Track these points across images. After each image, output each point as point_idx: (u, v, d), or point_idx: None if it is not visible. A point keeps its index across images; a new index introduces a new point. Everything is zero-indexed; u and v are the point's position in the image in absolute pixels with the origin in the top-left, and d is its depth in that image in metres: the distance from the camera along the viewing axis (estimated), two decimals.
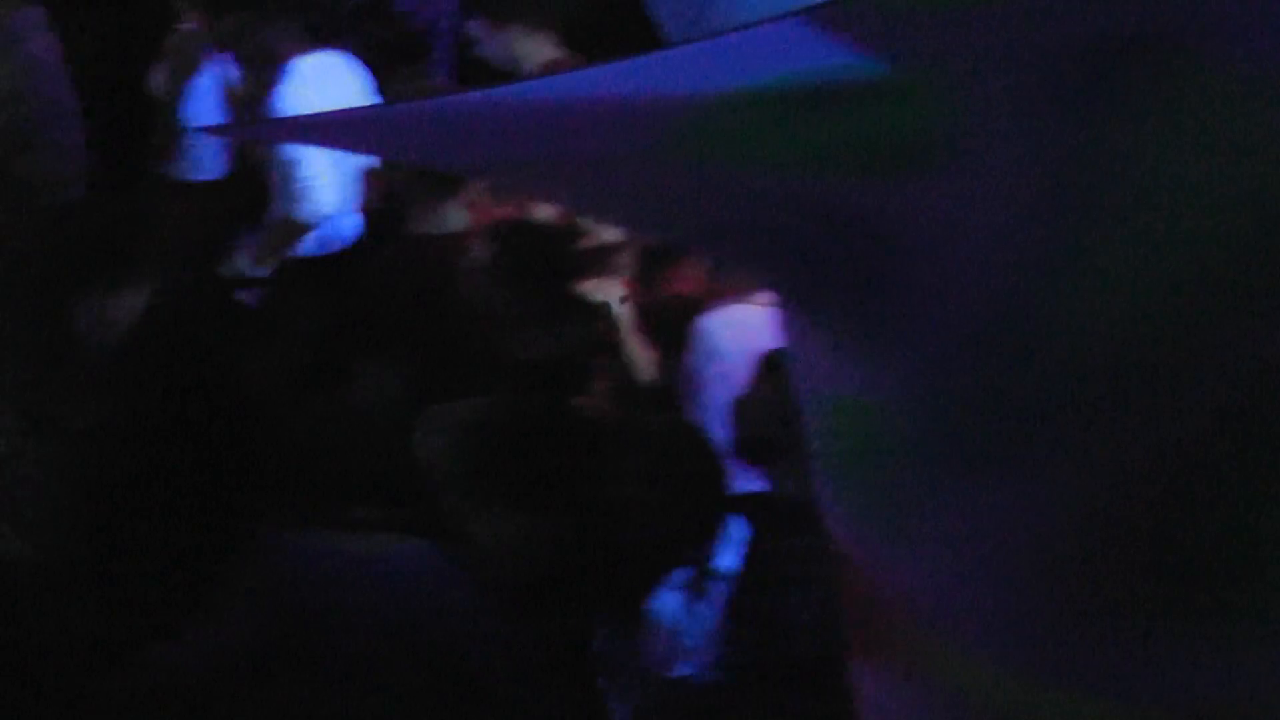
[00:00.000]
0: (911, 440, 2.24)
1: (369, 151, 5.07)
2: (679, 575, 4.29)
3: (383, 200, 7.02)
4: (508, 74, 6.39)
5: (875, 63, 1.92)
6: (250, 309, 6.60)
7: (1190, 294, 2.04)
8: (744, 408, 4.45)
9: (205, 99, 7.85)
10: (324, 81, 7.02)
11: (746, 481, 4.54)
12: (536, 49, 6.75)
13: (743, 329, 4.82)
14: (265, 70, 7.19)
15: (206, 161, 7.97)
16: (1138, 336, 2.06)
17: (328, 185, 6.85)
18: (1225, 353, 2.08)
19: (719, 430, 4.69)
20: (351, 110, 4.94)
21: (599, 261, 5.75)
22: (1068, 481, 2.16)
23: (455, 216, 6.04)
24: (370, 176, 7.05)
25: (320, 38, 7.30)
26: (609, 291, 5.52)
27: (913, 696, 2.45)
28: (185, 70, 7.87)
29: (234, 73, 7.76)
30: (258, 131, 6.18)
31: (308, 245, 7.05)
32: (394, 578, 4.24)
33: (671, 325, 5.45)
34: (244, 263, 7.36)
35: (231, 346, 5.73)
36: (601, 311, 5.45)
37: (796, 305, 2.40)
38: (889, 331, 2.17)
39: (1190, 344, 2.07)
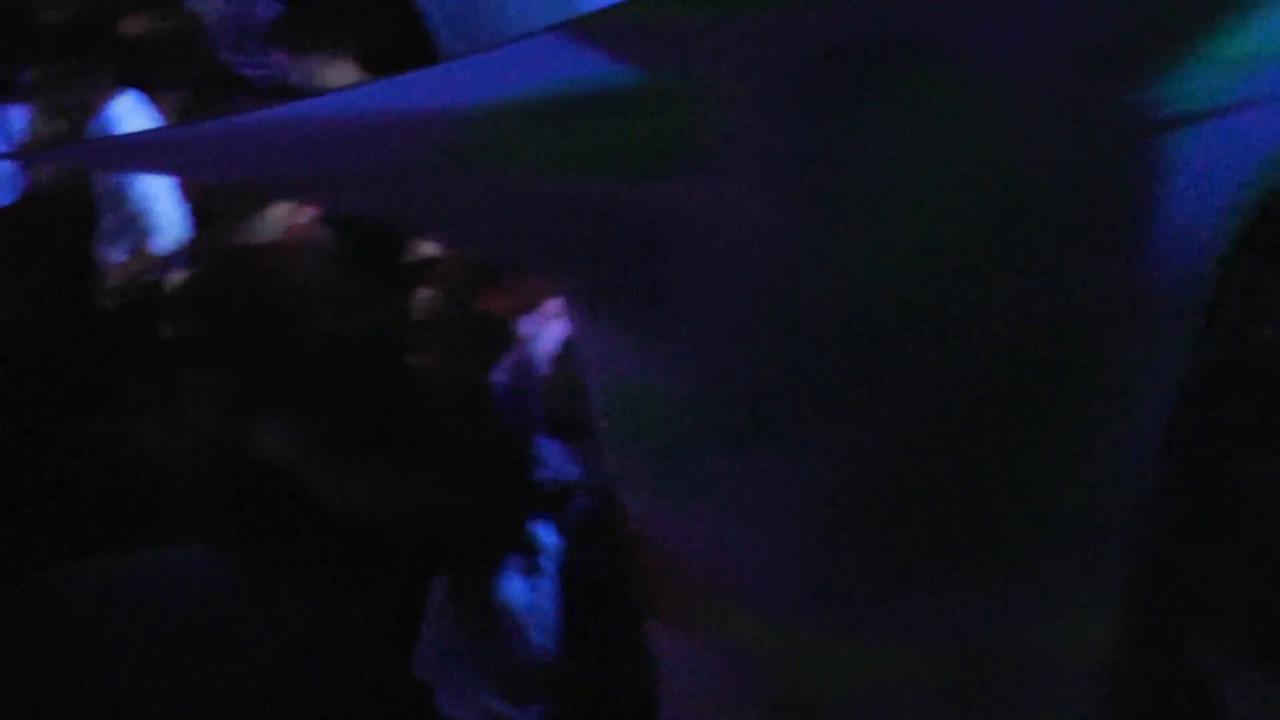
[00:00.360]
0: (692, 418, 2.30)
1: (170, 172, 5.04)
2: (514, 560, 4.37)
3: (201, 217, 6.98)
4: None
5: (634, 71, 1.97)
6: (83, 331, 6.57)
7: (932, 269, 2.13)
8: (551, 391, 4.51)
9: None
10: (134, 123, 6.96)
11: (561, 461, 4.62)
12: (338, 75, 6.73)
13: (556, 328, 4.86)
14: (75, 114, 7.09)
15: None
16: (890, 311, 2.15)
17: (175, 215, 6.81)
18: (971, 319, 2.17)
19: (532, 415, 4.78)
20: (150, 133, 4.93)
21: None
22: (836, 448, 2.23)
23: (270, 225, 6.05)
24: (189, 196, 7.00)
25: (130, 80, 7.22)
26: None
27: (706, 655, 2.51)
28: None
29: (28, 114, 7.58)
30: (59, 156, 6.13)
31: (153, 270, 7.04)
32: (168, 586, 4.27)
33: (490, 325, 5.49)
34: (83, 288, 7.29)
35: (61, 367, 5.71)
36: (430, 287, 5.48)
37: (578, 298, 2.45)
38: (664, 319, 2.23)
39: (937, 314, 2.15)
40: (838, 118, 2.04)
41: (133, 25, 7.67)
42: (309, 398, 4.73)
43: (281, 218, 6.07)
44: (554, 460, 4.57)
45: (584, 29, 1.94)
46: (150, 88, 7.16)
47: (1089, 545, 2.40)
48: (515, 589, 4.44)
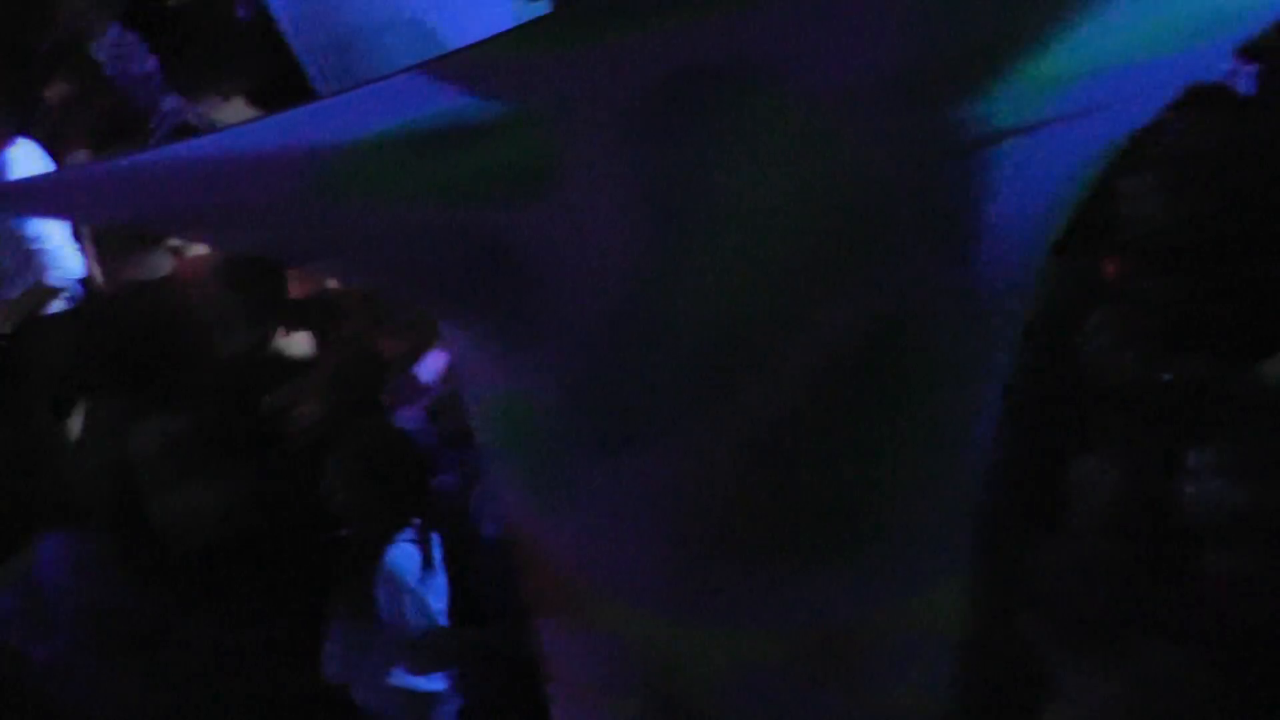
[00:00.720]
0: (559, 425, 2.34)
1: (60, 215, 5.00)
2: (406, 535, 4.42)
3: (98, 254, 6.94)
4: None
5: (490, 104, 2.01)
6: None
7: (775, 280, 2.19)
8: (442, 405, 4.53)
9: None
10: (28, 169, 6.90)
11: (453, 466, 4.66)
12: (231, 114, 6.75)
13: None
14: None
15: None
16: (739, 319, 2.20)
17: (69, 252, 6.77)
18: (813, 325, 2.21)
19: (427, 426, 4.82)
20: (40, 177, 4.92)
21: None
22: (695, 448, 2.28)
23: (161, 261, 6.05)
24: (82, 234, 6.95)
25: (28, 126, 7.15)
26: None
27: (586, 645, 2.55)
28: None
29: None
30: None
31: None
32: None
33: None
34: None
35: None
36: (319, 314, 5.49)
37: (449, 318, 2.50)
38: (531, 333, 2.27)
39: (782, 321, 2.21)
40: (682, 142, 2.08)
41: (32, 74, 7.61)
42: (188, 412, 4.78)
43: (172, 254, 6.06)
44: (447, 466, 4.60)
45: (443, 67, 1.98)
46: (49, 134, 7.12)
47: (933, 528, 2.45)
48: (409, 572, 4.47)
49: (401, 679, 4.43)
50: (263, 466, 4.81)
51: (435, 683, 4.46)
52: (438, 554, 4.45)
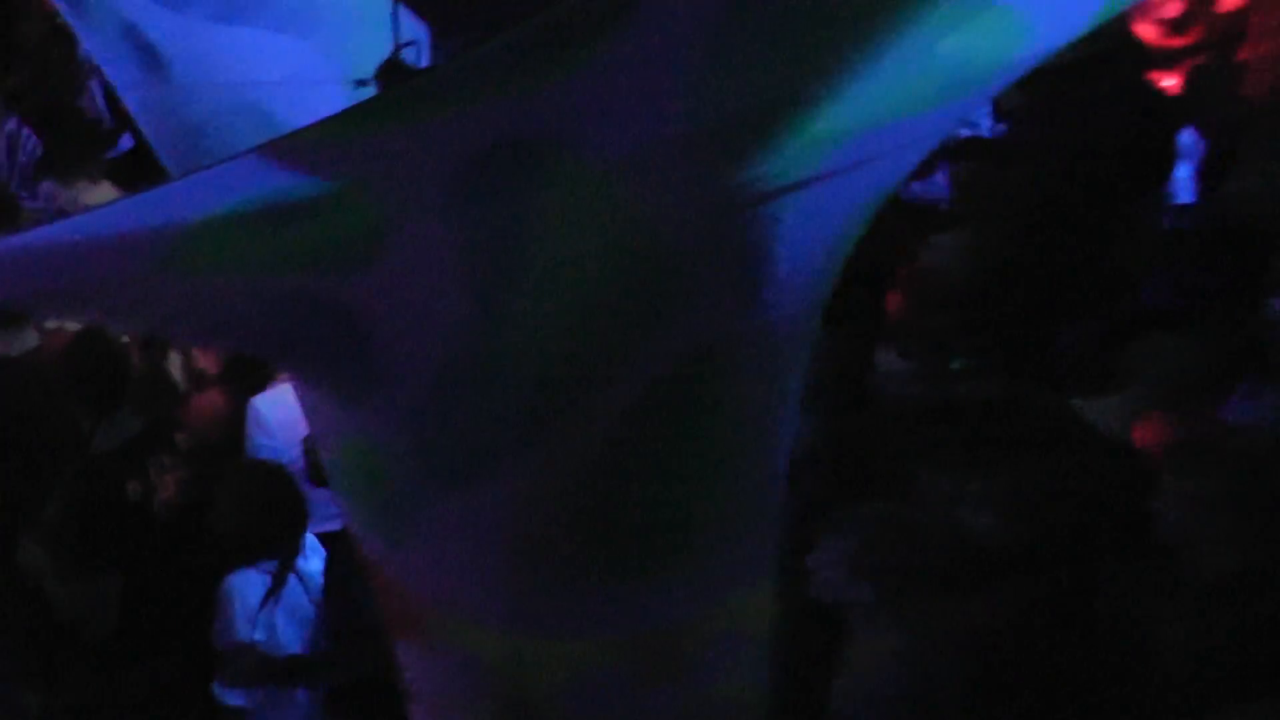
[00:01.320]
0: (402, 466, 2.40)
1: None
2: (265, 568, 4.42)
3: None
4: None
5: (321, 181, 2.05)
6: None
7: (586, 328, 2.25)
8: (309, 446, 4.53)
9: None
10: None
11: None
12: (100, 197, 6.74)
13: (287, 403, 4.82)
14: None
15: None
16: (557, 364, 2.26)
17: None
18: (624, 365, 2.29)
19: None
20: None
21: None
22: (527, 480, 2.35)
23: (27, 338, 5.96)
24: None
25: None
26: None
27: (441, 663, 2.61)
28: None
29: None
30: None
31: None
32: None
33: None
34: None
35: None
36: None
37: (297, 373, 2.54)
38: (370, 386, 2.32)
39: (596, 363, 2.28)
40: (494, 209, 2.15)
41: None
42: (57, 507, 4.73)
43: (37, 330, 5.96)
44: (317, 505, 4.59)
45: (279, 148, 2.02)
46: None
47: (741, 537, 2.53)
48: (245, 596, 4.45)
49: (221, 692, 4.44)
50: (145, 545, 4.79)
51: (237, 698, 4.44)
52: (310, 580, 4.45)
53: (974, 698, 3.44)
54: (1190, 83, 8.04)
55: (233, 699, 4.41)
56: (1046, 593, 3.84)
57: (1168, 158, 7.19)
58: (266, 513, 4.40)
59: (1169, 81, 9.36)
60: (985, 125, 7.33)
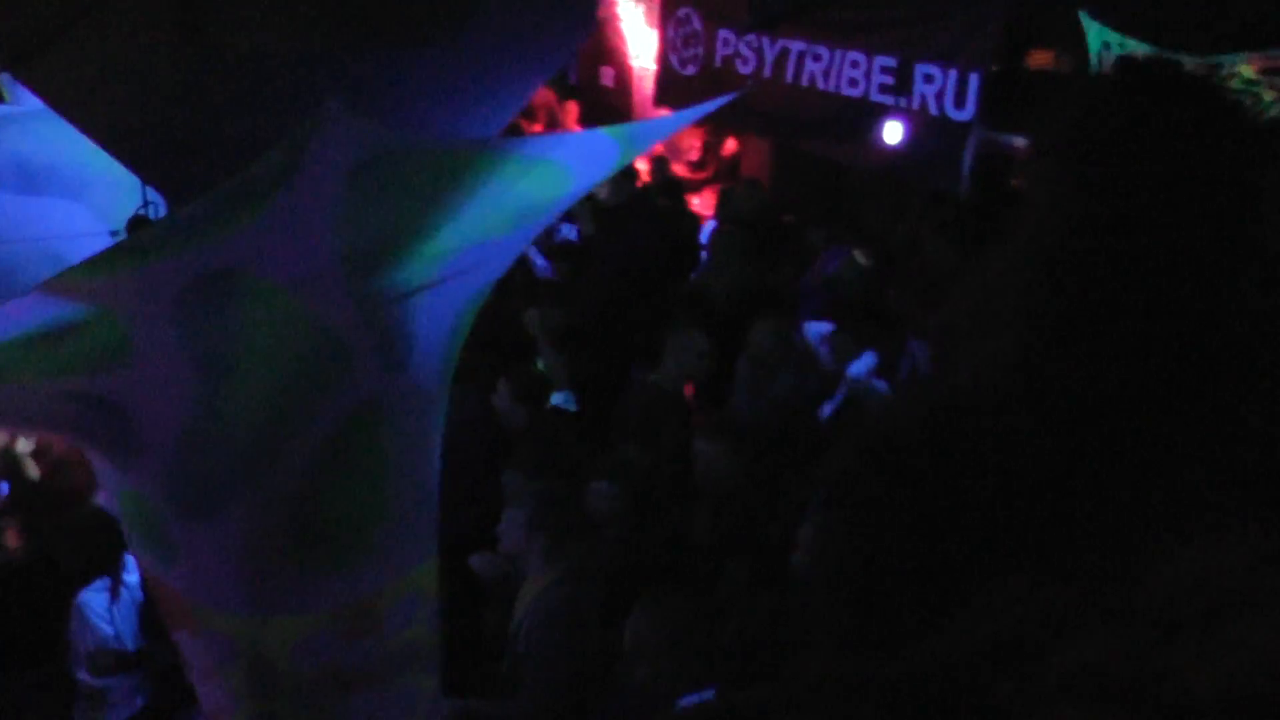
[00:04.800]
0: (162, 508, 2.34)
1: None
2: (100, 584, 4.23)
3: None
4: None
5: (83, 308, 2.00)
6: None
7: (282, 398, 2.24)
8: None
9: None
10: None
11: None
12: None
13: None
14: None
15: None
16: (262, 425, 2.25)
17: None
18: (309, 420, 2.28)
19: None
20: None
21: None
22: (251, 508, 2.32)
23: None
24: None
25: None
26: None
27: (204, 643, 2.54)
28: None
29: None
30: None
31: None
32: None
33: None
34: None
35: None
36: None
37: (84, 446, 2.42)
38: (133, 454, 2.27)
39: (288, 420, 2.26)
40: (212, 318, 2.12)
41: None
42: None
43: None
44: None
45: (52, 286, 1.95)
46: None
47: (411, 530, 2.54)
48: (94, 606, 4.26)
49: (84, 677, 4.25)
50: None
51: (105, 682, 4.28)
52: (133, 589, 4.26)
53: None
54: (721, 197, 8.46)
55: (97, 684, 4.25)
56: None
57: (692, 250, 7.58)
58: (99, 545, 4.20)
59: (697, 201, 9.84)
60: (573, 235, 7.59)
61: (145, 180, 4.41)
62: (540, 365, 5.65)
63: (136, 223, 7.17)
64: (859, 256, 6.63)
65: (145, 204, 6.66)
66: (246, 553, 2.35)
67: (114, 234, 7.40)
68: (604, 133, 2.41)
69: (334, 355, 2.22)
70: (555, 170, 2.36)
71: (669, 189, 8.45)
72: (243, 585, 2.40)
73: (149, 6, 2.91)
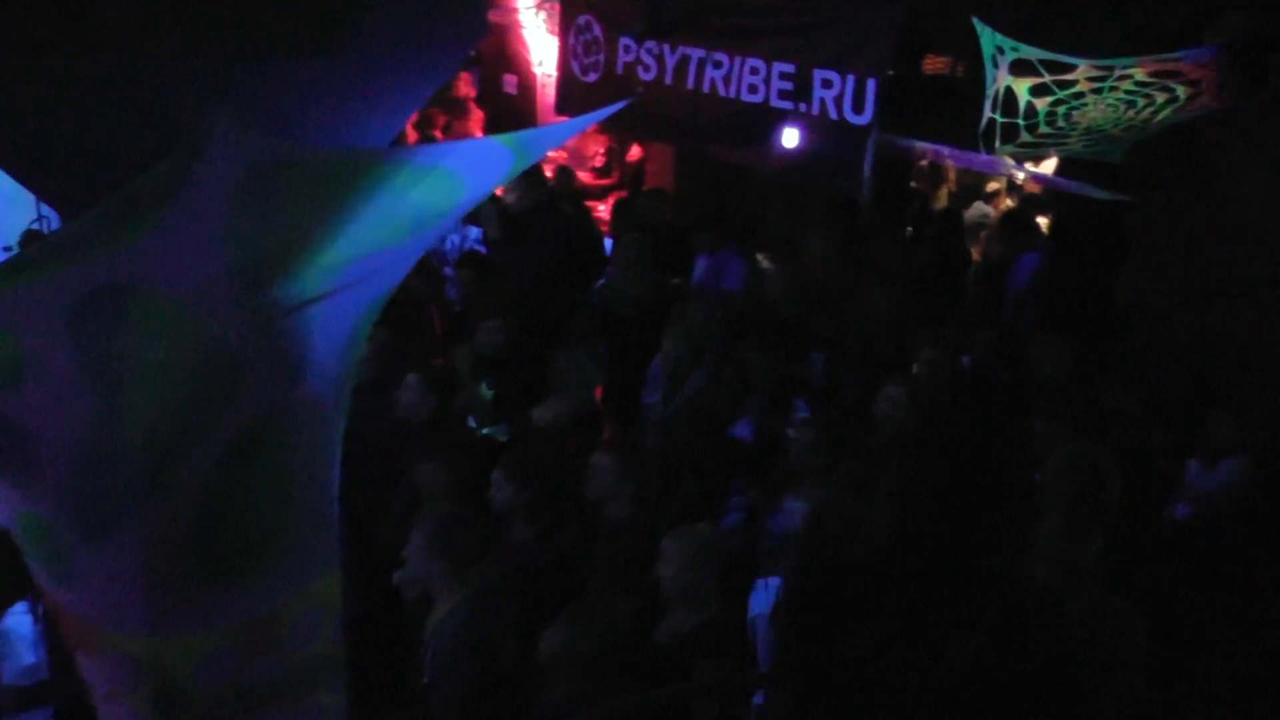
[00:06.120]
0: (60, 529, 2.31)
1: None
2: (20, 609, 4.13)
3: None
4: None
5: None
6: None
7: (180, 411, 2.23)
8: None
9: None
10: None
11: None
12: None
13: None
14: None
15: None
16: (161, 439, 2.22)
17: None
18: (209, 433, 2.26)
19: None
20: None
21: None
22: (151, 525, 2.29)
23: None
24: None
25: None
26: None
27: (107, 665, 2.51)
28: None
29: None
30: None
31: None
32: None
33: None
34: None
35: None
36: None
37: None
38: (30, 472, 2.23)
39: (187, 434, 2.24)
40: (105, 333, 2.10)
41: None
42: None
43: None
44: None
45: None
46: None
47: (311, 543, 2.54)
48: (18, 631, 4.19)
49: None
50: None
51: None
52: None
53: None
54: (615, 209, 8.53)
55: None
56: None
57: (599, 260, 7.65)
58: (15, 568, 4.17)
59: (601, 208, 9.90)
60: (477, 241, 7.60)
61: (38, 195, 4.34)
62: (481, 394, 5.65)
63: (30, 237, 7.02)
64: (762, 261, 6.74)
65: (39, 218, 6.53)
66: (146, 571, 2.33)
67: (6, 249, 7.24)
68: (496, 140, 2.44)
69: (229, 369, 2.21)
70: (447, 178, 2.37)
71: (574, 196, 8.50)
72: (144, 604, 2.38)
73: (38, 21, 2.89)
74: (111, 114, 2.91)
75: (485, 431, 5.39)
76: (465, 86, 11.43)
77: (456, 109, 11.32)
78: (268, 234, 2.16)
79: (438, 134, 10.83)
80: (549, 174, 9.21)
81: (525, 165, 2.71)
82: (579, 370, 5.23)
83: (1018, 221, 8.09)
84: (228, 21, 2.30)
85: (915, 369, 5.59)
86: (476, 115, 11.47)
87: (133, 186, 2.03)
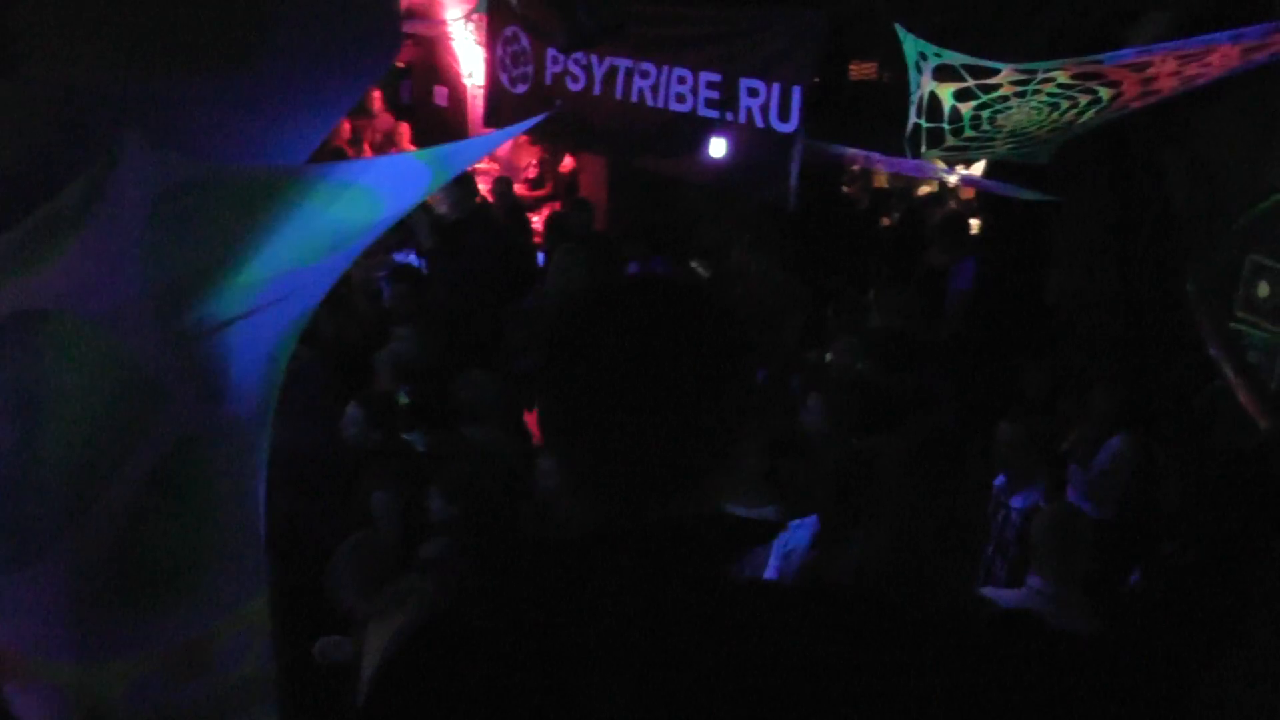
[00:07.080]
0: None
1: None
2: None
3: None
4: None
5: None
6: None
7: (100, 434, 2.22)
8: None
9: None
10: None
11: None
12: None
13: None
14: None
15: None
16: (81, 464, 2.22)
17: None
18: (133, 452, 2.25)
19: None
20: None
21: None
22: (71, 554, 2.26)
23: None
24: None
25: None
26: None
27: (36, 695, 2.47)
28: None
29: None
30: None
31: None
32: None
33: None
34: None
35: None
36: None
37: None
38: None
39: (110, 456, 2.23)
40: (20, 359, 2.11)
41: None
42: None
43: None
44: None
45: None
46: None
47: (240, 564, 2.52)
48: None
49: None
50: None
51: None
52: None
53: None
54: (547, 221, 8.54)
55: None
56: None
57: (530, 271, 7.66)
58: None
59: (535, 219, 9.90)
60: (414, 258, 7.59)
61: None
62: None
63: None
64: (698, 268, 6.79)
65: None
66: (71, 598, 2.31)
67: None
68: (413, 156, 2.45)
69: (148, 391, 2.21)
70: (365, 195, 2.38)
71: (512, 208, 8.52)
72: (70, 632, 2.36)
73: None
74: (25, 136, 2.88)
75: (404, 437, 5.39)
76: (378, 101, 11.47)
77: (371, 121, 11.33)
78: (184, 254, 2.15)
79: (360, 149, 10.81)
80: (483, 185, 9.22)
81: (443, 180, 2.72)
82: (482, 396, 5.24)
83: (956, 227, 8.20)
84: (137, 39, 2.28)
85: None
86: (404, 129, 11.45)
87: (45, 210, 2.03)
